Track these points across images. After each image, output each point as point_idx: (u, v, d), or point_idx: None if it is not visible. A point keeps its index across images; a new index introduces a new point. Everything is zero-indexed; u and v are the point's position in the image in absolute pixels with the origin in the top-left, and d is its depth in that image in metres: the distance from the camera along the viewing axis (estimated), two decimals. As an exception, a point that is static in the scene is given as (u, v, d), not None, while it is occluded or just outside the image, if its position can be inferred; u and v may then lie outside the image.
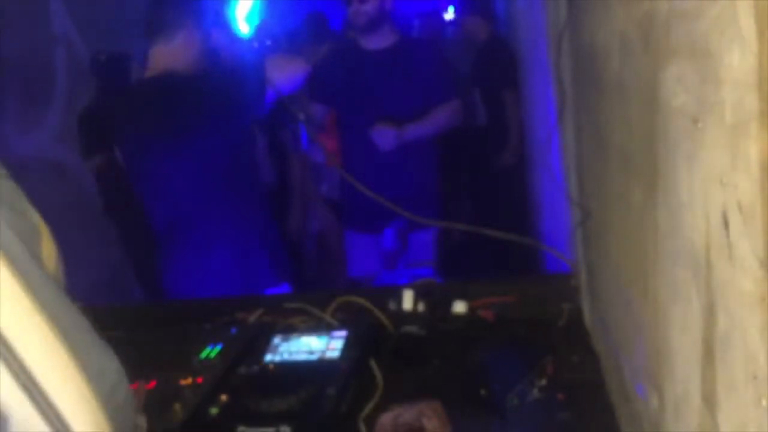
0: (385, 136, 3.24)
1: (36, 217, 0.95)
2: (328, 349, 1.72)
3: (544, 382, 1.57)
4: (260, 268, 2.60)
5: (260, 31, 3.66)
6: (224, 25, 2.54)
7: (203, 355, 1.77)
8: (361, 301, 1.95)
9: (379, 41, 3.30)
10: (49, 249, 0.95)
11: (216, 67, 2.50)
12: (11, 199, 0.91)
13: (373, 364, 1.69)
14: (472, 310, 1.91)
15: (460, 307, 1.91)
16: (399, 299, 1.93)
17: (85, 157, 3.25)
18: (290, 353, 1.74)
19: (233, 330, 1.91)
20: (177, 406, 1.59)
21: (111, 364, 0.97)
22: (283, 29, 4.33)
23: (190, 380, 1.69)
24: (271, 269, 2.64)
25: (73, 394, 0.89)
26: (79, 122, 3.04)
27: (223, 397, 1.56)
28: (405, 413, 1.45)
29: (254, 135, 2.83)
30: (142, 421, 1.05)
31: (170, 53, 2.46)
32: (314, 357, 1.70)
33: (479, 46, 4.53)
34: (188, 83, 2.44)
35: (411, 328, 1.87)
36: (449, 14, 5.94)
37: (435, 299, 1.94)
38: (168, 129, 2.43)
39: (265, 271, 2.61)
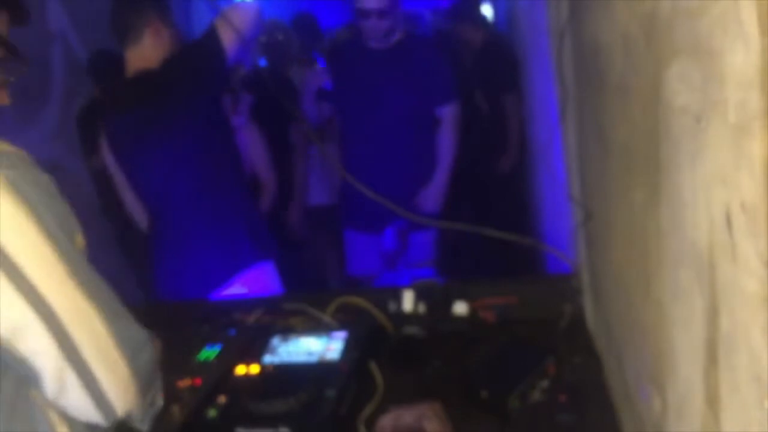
0: (429, 200, 3.36)
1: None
2: (327, 350, 1.71)
3: (545, 383, 1.57)
4: (243, 247, 2.64)
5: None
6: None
7: (202, 356, 1.77)
8: (361, 301, 1.95)
9: (383, 40, 3.29)
10: (80, 241, 1.07)
11: (180, 53, 2.55)
12: (51, 188, 1.04)
13: (372, 365, 1.69)
14: (472, 311, 1.91)
15: (460, 308, 1.90)
16: (399, 300, 1.93)
17: (84, 157, 3.26)
18: (289, 354, 1.73)
19: (232, 331, 1.91)
20: (175, 408, 1.59)
21: (138, 330, 1.10)
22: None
23: (188, 382, 1.69)
24: (254, 246, 2.66)
25: (103, 355, 1.02)
26: (76, 121, 3.04)
27: (222, 399, 1.56)
28: (405, 415, 1.44)
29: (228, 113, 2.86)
30: (160, 399, 1.13)
31: (142, 54, 2.51)
32: (313, 358, 1.70)
33: (477, 50, 4.53)
34: (159, 76, 2.48)
35: (411, 329, 1.87)
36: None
37: (435, 300, 1.94)
38: (145, 126, 2.50)
39: (247, 248, 2.64)
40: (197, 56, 2.54)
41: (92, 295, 1.02)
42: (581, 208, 1.70)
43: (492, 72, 4.36)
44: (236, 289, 2.57)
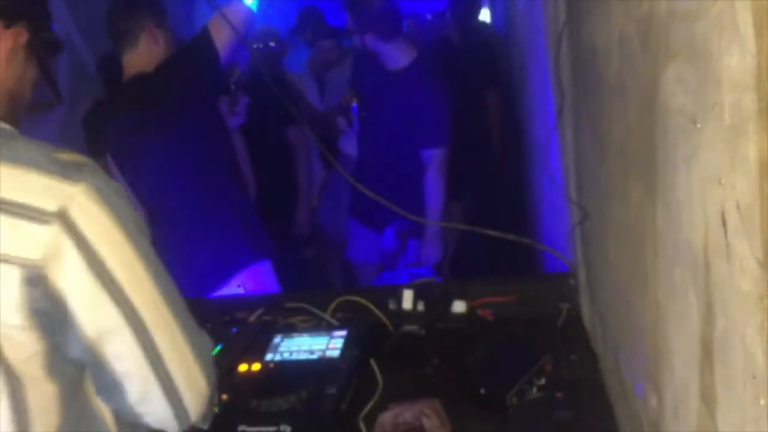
0: (427, 253, 3.29)
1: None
2: (328, 348, 1.72)
3: (543, 381, 1.58)
4: (240, 246, 2.64)
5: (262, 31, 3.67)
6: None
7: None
8: (361, 300, 1.96)
9: (396, 59, 3.26)
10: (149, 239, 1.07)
11: (174, 56, 2.55)
12: (127, 195, 1.03)
13: (372, 363, 1.69)
14: (471, 309, 1.92)
15: (459, 306, 1.91)
16: (399, 299, 1.94)
17: (92, 158, 3.24)
18: (290, 352, 1.74)
19: (234, 329, 1.92)
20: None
21: (208, 340, 1.12)
22: (281, 27, 4.31)
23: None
24: (251, 246, 2.67)
25: (183, 363, 1.03)
26: (83, 123, 3.04)
27: (224, 397, 1.57)
28: (405, 412, 1.45)
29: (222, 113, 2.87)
30: (216, 397, 1.16)
31: (139, 58, 2.52)
32: (314, 356, 1.71)
33: (459, 46, 4.54)
34: (154, 79, 2.49)
35: (411, 328, 1.88)
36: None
37: (434, 299, 1.95)
38: (142, 129, 2.50)
39: (244, 248, 2.65)
40: (191, 58, 2.55)
41: (173, 305, 1.03)
42: (578, 208, 1.71)
43: (476, 70, 4.36)
44: (233, 288, 2.58)
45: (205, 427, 1.13)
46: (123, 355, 0.98)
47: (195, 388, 1.04)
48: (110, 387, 1.00)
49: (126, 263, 0.97)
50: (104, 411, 1.04)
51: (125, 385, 1.00)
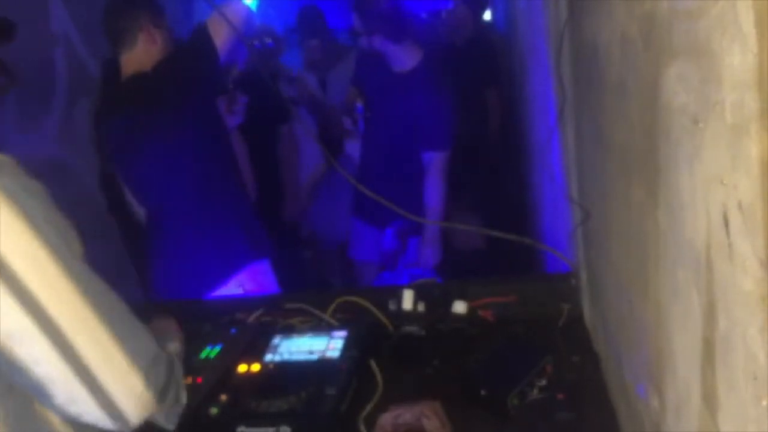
0: (426, 255, 3.28)
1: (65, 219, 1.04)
2: (327, 349, 1.72)
3: (544, 382, 1.57)
4: (239, 246, 2.65)
5: (260, 29, 3.66)
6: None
7: (203, 354, 1.78)
8: (361, 301, 1.95)
9: (403, 61, 3.26)
10: (79, 249, 1.04)
11: (172, 55, 2.56)
12: (46, 198, 1.01)
13: (372, 364, 1.69)
14: (472, 310, 1.91)
15: (460, 307, 1.90)
16: (399, 299, 1.93)
17: (98, 156, 3.26)
18: (290, 353, 1.74)
19: (233, 330, 1.91)
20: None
21: (151, 341, 1.08)
22: (281, 26, 4.31)
23: (189, 380, 1.69)
24: (250, 245, 2.67)
25: (111, 365, 1.01)
26: (92, 123, 3.05)
27: (223, 397, 1.57)
28: (405, 413, 1.45)
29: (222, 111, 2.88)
30: (183, 396, 1.15)
31: (136, 58, 2.52)
32: (314, 357, 1.70)
33: (462, 45, 4.55)
34: (152, 79, 2.49)
35: (411, 328, 1.87)
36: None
37: (435, 299, 1.94)
38: (140, 128, 2.50)
39: (243, 247, 2.65)
40: (189, 57, 2.55)
41: (97, 304, 1.01)
42: (580, 208, 1.71)
43: (476, 66, 4.37)
44: (232, 288, 2.58)
45: (171, 427, 1.12)
46: (39, 359, 0.96)
47: (129, 391, 1.02)
48: (35, 389, 0.99)
49: (37, 266, 0.95)
50: (48, 412, 1.03)
51: (49, 388, 0.99)
